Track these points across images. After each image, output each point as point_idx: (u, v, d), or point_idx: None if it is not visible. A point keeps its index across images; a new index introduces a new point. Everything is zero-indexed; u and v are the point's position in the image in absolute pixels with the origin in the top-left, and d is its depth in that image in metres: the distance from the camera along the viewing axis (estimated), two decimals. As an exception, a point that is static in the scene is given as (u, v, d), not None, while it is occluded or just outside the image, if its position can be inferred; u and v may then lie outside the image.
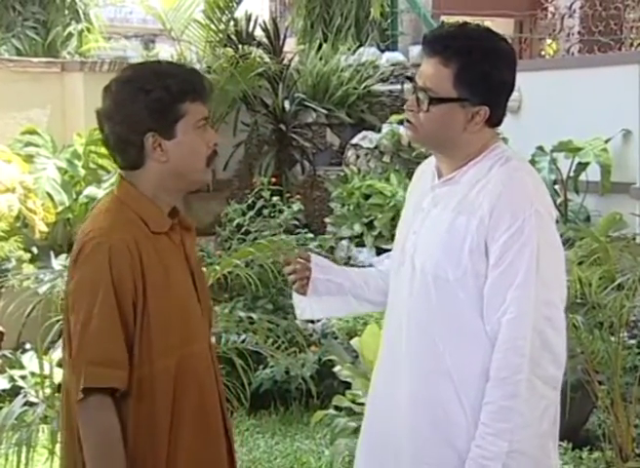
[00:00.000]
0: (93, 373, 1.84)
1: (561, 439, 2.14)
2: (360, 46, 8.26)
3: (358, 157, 6.71)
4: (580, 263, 3.75)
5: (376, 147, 6.56)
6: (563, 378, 2.02)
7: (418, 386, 2.01)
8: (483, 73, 1.96)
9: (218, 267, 3.72)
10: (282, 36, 7.47)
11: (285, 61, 7.27)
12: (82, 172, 6.17)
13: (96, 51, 9.68)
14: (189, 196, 5.21)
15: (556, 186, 6.21)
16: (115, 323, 1.85)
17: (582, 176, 6.16)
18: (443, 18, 11.63)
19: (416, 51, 8.08)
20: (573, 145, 6.12)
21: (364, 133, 6.79)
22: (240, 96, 6.94)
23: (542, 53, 10.44)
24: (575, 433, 4.03)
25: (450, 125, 1.99)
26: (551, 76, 6.94)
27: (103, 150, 6.22)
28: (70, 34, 9.53)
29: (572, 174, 6.18)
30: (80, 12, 9.64)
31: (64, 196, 5.99)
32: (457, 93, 1.96)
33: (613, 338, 3.71)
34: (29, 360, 5.15)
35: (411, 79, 2.05)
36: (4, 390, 4.91)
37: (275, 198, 6.30)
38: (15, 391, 4.57)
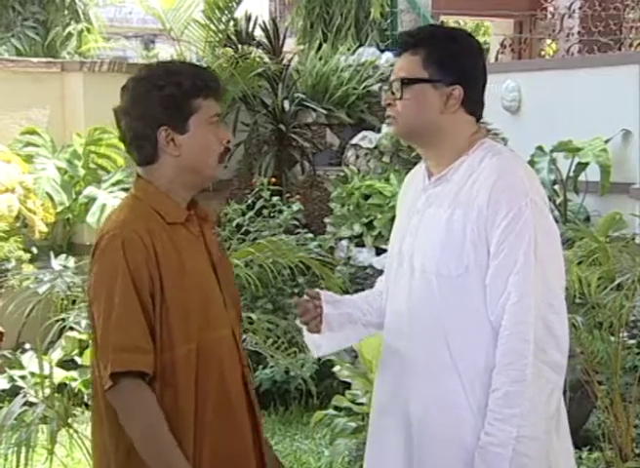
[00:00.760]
0: (118, 359, 1.89)
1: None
2: (360, 46, 8.26)
3: (358, 157, 6.71)
4: (580, 263, 3.75)
5: (375, 147, 6.56)
6: (562, 386, 2.02)
7: (426, 386, 2.01)
8: (450, 54, 2.03)
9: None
10: (282, 36, 7.46)
11: (285, 62, 7.26)
12: (82, 172, 6.17)
13: (95, 51, 9.68)
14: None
15: (556, 186, 6.21)
16: (136, 309, 1.91)
17: (582, 177, 6.16)
18: (443, 18, 11.64)
19: (415, 51, 8.05)
20: (572, 145, 6.12)
21: (364, 133, 6.78)
22: (240, 96, 6.94)
23: (542, 53, 10.44)
24: (574, 433, 4.01)
25: (425, 106, 2.02)
26: (551, 76, 6.93)
27: (103, 150, 6.32)
28: (70, 34, 9.52)
29: (571, 174, 6.18)
30: (80, 12, 9.64)
31: (64, 196, 5.99)
32: (427, 73, 2.02)
33: (612, 338, 3.71)
34: (29, 360, 5.15)
35: (386, 81, 2.10)
36: (3, 390, 4.91)
37: (275, 198, 6.30)
38: (14, 391, 4.57)
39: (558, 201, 6.19)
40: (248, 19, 7.48)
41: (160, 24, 7.73)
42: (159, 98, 1.98)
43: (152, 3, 7.56)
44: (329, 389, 4.70)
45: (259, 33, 7.45)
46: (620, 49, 8.63)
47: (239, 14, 7.49)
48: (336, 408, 3.94)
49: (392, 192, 5.84)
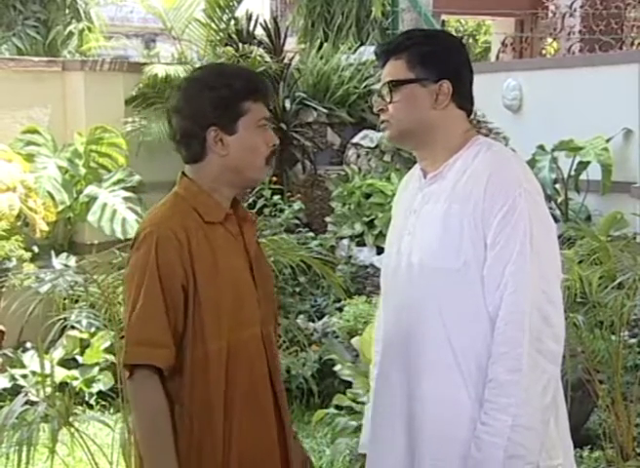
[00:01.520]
0: (133, 352, 1.97)
1: (562, 438, 2.14)
2: (361, 45, 8.25)
3: (359, 156, 6.71)
4: (581, 262, 3.76)
5: (376, 146, 6.56)
6: (563, 378, 2.02)
7: (427, 381, 2.01)
8: (432, 51, 2.06)
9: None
10: (283, 35, 7.45)
11: (286, 61, 7.25)
12: (83, 171, 6.17)
13: (96, 50, 9.68)
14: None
15: (557, 185, 6.21)
16: (158, 305, 1.97)
17: (583, 176, 6.16)
18: (444, 17, 11.64)
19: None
20: (574, 144, 6.12)
21: (365, 132, 6.79)
22: (241, 95, 6.92)
23: (543, 52, 10.44)
24: (575, 432, 4.02)
25: (417, 105, 2.04)
26: (552, 75, 6.94)
27: (104, 149, 6.33)
28: (71, 33, 9.53)
29: (573, 173, 6.19)
30: (81, 11, 9.65)
31: (65, 195, 5.99)
32: (413, 74, 2.05)
33: (613, 337, 3.71)
34: (30, 359, 5.16)
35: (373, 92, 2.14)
36: (5, 389, 4.91)
37: (276, 197, 6.31)
38: (15, 390, 4.58)
39: (559, 200, 6.19)
40: (249, 17, 7.47)
41: (161, 23, 7.73)
42: (210, 99, 2.03)
43: (153, 2, 7.56)
44: (330, 388, 4.70)
45: (260, 32, 7.44)
46: (621, 48, 8.64)
47: (240, 13, 7.49)
48: (337, 407, 3.95)
49: (393, 191, 5.83)
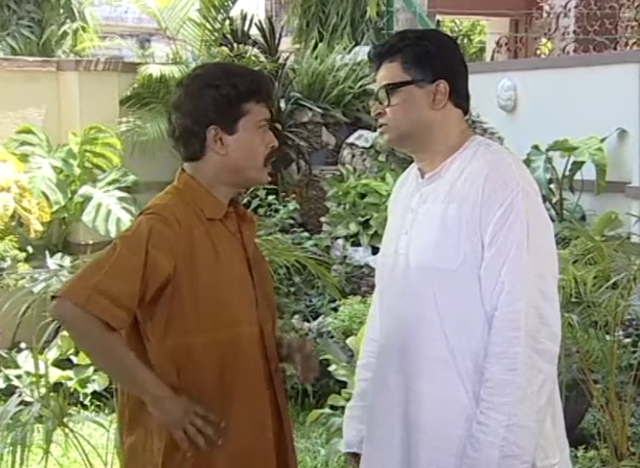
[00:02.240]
0: (92, 298, 1.88)
1: (556, 437, 2.14)
2: (356, 45, 8.25)
3: (354, 156, 6.71)
4: (576, 262, 3.76)
5: (371, 146, 6.56)
6: (558, 377, 2.02)
7: (424, 381, 2.01)
8: (426, 51, 2.05)
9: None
10: (278, 35, 7.45)
11: (280, 61, 7.25)
12: (77, 171, 6.16)
13: (91, 50, 9.68)
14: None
15: (551, 185, 6.22)
16: (137, 267, 1.91)
17: (578, 176, 6.17)
18: (438, 17, 11.64)
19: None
20: (568, 144, 6.13)
21: (360, 132, 6.78)
22: (236, 94, 6.92)
23: (538, 52, 10.46)
24: (570, 432, 4.02)
25: (415, 107, 2.04)
26: (547, 75, 6.95)
27: (99, 149, 6.32)
28: (65, 33, 9.52)
29: (567, 173, 6.20)
30: (75, 10, 9.64)
31: (60, 195, 5.98)
32: (409, 76, 2.04)
33: (608, 337, 3.72)
34: (24, 359, 5.14)
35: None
36: (-1, 389, 4.91)
37: (271, 197, 6.30)
38: (10, 390, 4.56)
39: (554, 200, 6.20)
40: (244, 17, 7.47)
41: (156, 23, 7.73)
42: (213, 97, 2.01)
43: (148, 2, 7.56)
44: (325, 388, 4.69)
45: (254, 32, 7.44)
46: (615, 48, 8.66)
47: (235, 12, 7.49)
48: (332, 407, 3.94)
49: (388, 191, 5.84)
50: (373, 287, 2.36)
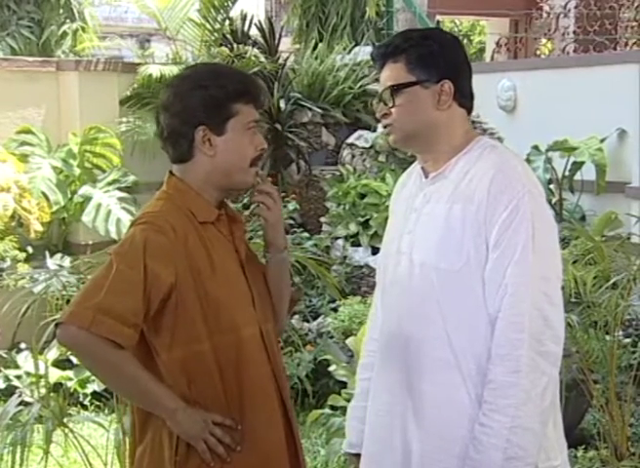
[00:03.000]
0: (97, 320, 1.86)
1: (556, 438, 2.14)
2: (356, 45, 8.26)
3: (354, 156, 6.71)
4: (575, 262, 3.76)
5: (371, 147, 6.56)
6: (558, 377, 2.02)
7: (426, 381, 2.00)
8: (430, 51, 2.04)
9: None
10: (277, 35, 7.45)
11: (280, 61, 7.25)
12: (77, 171, 6.16)
13: (90, 50, 9.67)
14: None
15: (551, 186, 6.23)
16: (138, 282, 1.89)
17: (578, 176, 6.17)
18: (438, 17, 11.64)
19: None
20: (568, 145, 6.13)
21: (359, 132, 6.79)
22: (235, 95, 6.92)
23: (538, 52, 10.45)
24: (570, 432, 4.02)
25: (420, 107, 2.03)
26: (547, 75, 6.95)
27: (98, 149, 6.32)
28: (65, 33, 9.52)
29: (567, 173, 6.20)
30: (75, 11, 9.64)
31: (59, 195, 5.99)
32: (414, 76, 2.03)
33: (608, 337, 3.71)
34: (24, 359, 5.14)
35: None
36: (-1, 390, 4.91)
37: (271, 197, 6.29)
38: (10, 391, 4.56)
39: (554, 200, 6.20)
40: (243, 18, 7.48)
41: (155, 24, 7.73)
42: (201, 98, 2.00)
43: (148, 2, 7.56)
44: (325, 388, 4.70)
45: (254, 32, 7.44)
46: (615, 48, 8.65)
47: (235, 13, 7.49)
48: (332, 407, 3.94)
49: (388, 191, 5.84)
50: (373, 287, 2.36)
